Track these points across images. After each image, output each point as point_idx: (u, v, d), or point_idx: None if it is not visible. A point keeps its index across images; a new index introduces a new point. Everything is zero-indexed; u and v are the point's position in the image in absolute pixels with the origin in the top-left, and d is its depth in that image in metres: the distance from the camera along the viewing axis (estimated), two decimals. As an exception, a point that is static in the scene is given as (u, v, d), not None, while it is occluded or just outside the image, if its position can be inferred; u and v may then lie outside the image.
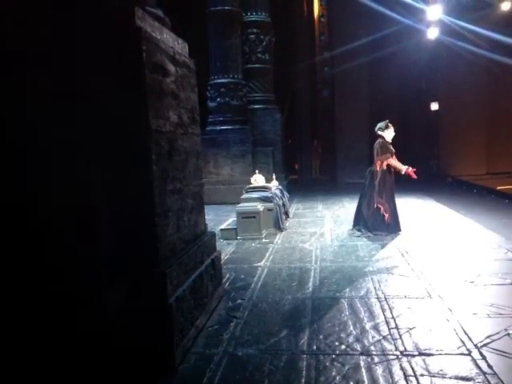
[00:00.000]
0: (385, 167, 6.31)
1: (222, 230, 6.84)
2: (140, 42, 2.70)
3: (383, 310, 3.57)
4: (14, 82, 2.62)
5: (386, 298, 3.83)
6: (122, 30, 2.69)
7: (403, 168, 6.34)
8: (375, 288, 4.12)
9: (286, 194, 8.53)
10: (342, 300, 3.87)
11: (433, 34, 12.37)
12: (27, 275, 2.62)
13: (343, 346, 2.99)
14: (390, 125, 6.46)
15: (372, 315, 3.49)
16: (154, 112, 2.82)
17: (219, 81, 11.20)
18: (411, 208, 8.55)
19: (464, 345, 2.90)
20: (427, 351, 2.84)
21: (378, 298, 3.85)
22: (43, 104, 2.61)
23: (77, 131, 2.61)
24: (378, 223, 6.44)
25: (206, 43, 11.17)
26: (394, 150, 6.39)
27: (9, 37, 2.61)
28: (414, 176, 6.34)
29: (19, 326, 2.60)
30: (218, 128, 11.23)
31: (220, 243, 6.17)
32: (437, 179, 13.73)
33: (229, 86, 11.17)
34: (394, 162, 6.34)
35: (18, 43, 2.62)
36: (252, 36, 12.34)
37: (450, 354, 2.79)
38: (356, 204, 6.89)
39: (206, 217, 4.10)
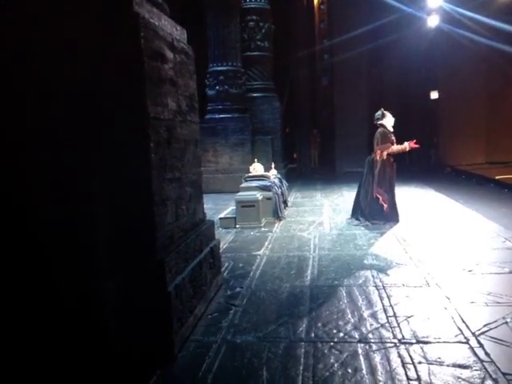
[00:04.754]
0: (385, 157, 6.29)
1: (220, 218, 6.84)
2: (138, 28, 2.67)
3: (381, 298, 3.58)
4: (11, 67, 2.59)
5: (384, 287, 3.85)
6: (119, 16, 2.65)
7: (406, 146, 6.30)
8: (373, 276, 4.13)
9: (284, 182, 8.53)
10: (340, 288, 3.88)
11: (433, 21, 12.28)
12: (26, 266, 2.62)
13: (341, 334, 3.00)
14: (385, 112, 6.44)
15: (370, 303, 3.50)
16: (152, 99, 2.79)
17: (218, 68, 11.12)
18: (410, 197, 8.55)
19: (462, 333, 2.92)
20: (425, 339, 2.86)
21: (376, 287, 3.86)
22: (41, 92, 2.58)
23: (76, 118, 2.59)
24: (375, 212, 6.44)
25: (204, 30, 11.06)
26: (394, 139, 6.36)
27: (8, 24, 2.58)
28: (417, 146, 6.32)
29: (20, 318, 2.60)
30: (217, 116, 11.18)
31: (219, 232, 6.18)
32: (436, 168, 13.73)
33: (228, 74, 11.10)
34: (395, 148, 6.30)
35: (17, 30, 2.59)
36: (251, 23, 12.23)
37: (447, 342, 2.81)
38: (355, 193, 6.89)
39: (205, 205, 4.09)
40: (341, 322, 3.19)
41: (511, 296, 3.48)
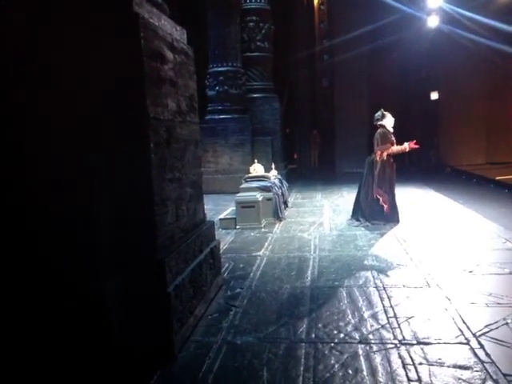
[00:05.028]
0: (385, 157, 6.28)
1: (221, 219, 6.83)
2: (138, 28, 2.66)
3: (382, 299, 3.57)
4: (11, 67, 2.59)
5: (384, 287, 3.84)
6: (119, 16, 2.65)
7: (406, 146, 6.29)
8: (374, 277, 4.12)
9: (285, 183, 8.52)
10: (341, 289, 3.87)
11: (433, 22, 12.28)
12: (27, 266, 2.61)
13: (342, 335, 3.00)
14: (385, 112, 6.43)
15: (370, 304, 3.50)
16: (152, 99, 2.79)
17: (218, 69, 11.11)
18: (410, 197, 8.54)
19: (462, 334, 2.91)
20: (425, 340, 2.85)
21: (376, 287, 3.85)
22: (41, 92, 2.58)
23: (75, 119, 2.58)
24: (375, 212, 6.44)
25: (204, 31, 11.06)
26: (394, 140, 6.35)
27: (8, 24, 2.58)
28: (417, 146, 6.30)
29: (20, 318, 2.60)
30: (217, 117, 11.17)
31: (219, 232, 6.18)
32: (436, 169, 13.73)
33: (228, 75, 11.09)
34: (395, 148, 6.29)
35: (17, 30, 2.59)
36: (251, 24, 12.21)
37: (448, 343, 2.80)
38: (355, 194, 6.88)
39: (205, 206, 4.09)
40: (341, 323, 3.18)
41: (512, 297, 3.48)
